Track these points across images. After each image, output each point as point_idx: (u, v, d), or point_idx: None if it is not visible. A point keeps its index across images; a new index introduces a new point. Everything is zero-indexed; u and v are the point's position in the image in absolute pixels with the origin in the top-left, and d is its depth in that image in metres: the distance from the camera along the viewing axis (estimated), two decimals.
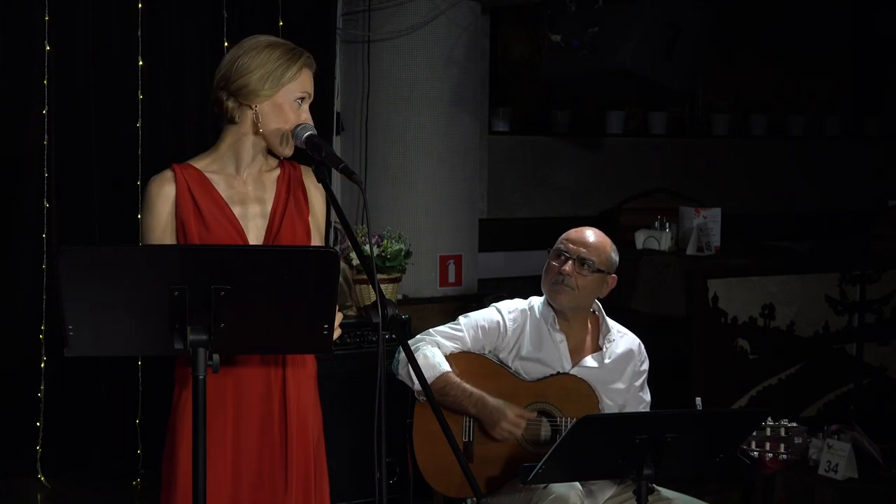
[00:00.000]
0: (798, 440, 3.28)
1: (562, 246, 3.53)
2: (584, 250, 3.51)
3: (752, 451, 3.30)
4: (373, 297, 2.49)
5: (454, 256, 5.99)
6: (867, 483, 4.46)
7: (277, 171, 2.82)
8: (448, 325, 3.58)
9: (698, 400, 3.38)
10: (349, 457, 4.44)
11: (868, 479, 4.49)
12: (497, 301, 3.71)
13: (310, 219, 2.82)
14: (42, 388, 5.20)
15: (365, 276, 4.75)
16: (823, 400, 5.75)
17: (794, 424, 3.32)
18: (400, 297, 5.41)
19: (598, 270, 3.51)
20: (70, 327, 2.26)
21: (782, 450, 3.28)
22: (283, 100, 2.72)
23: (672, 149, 7.86)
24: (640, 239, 6.23)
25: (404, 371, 3.43)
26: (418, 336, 3.54)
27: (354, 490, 4.49)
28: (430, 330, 3.56)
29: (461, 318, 3.59)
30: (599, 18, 5.23)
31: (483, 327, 3.54)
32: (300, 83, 2.73)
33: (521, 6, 6.67)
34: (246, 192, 2.77)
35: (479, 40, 6.17)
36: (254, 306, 2.32)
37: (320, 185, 2.75)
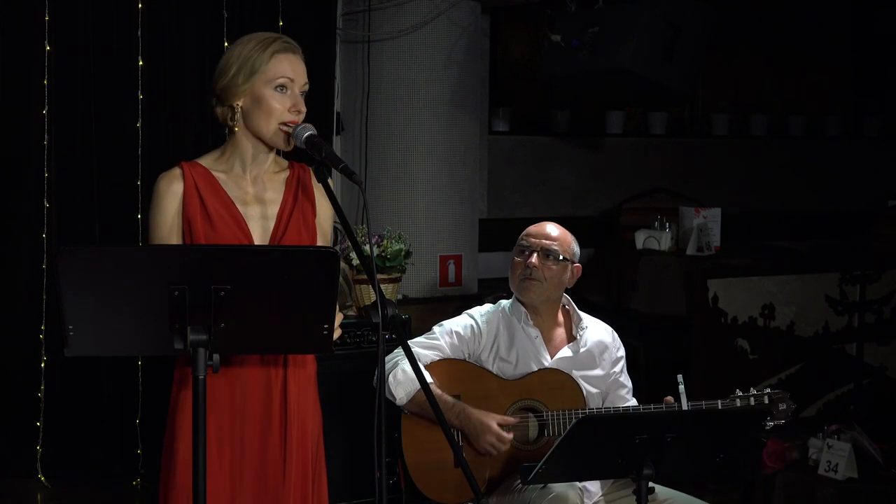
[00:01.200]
0: (783, 406, 3.37)
1: (524, 242, 3.61)
2: (546, 241, 3.58)
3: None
4: (373, 297, 2.48)
5: (454, 256, 5.99)
6: (867, 483, 4.45)
7: (286, 173, 2.82)
8: (422, 336, 3.60)
9: (680, 377, 3.40)
10: (348, 457, 4.44)
11: (868, 479, 4.48)
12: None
13: (316, 221, 2.82)
14: (42, 388, 5.20)
15: (365, 276, 4.75)
16: (823, 400, 5.75)
17: (777, 392, 3.45)
18: (400, 297, 5.41)
19: (563, 259, 3.56)
20: (70, 327, 2.26)
21: (769, 418, 3.34)
22: (261, 90, 2.70)
23: (672, 149, 7.86)
24: (640, 239, 6.23)
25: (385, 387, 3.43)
26: (396, 351, 3.54)
27: (354, 490, 4.49)
28: (407, 342, 3.56)
29: (435, 328, 3.62)
30: (599, 18, 5.23)
31: (458, 333, 3.56)
32: (275, 68, 2.70)
33: (521, 6, 6.67)
34: (253, 193, 2.77)
35: (479, 40, 6.17)
36: (254, 306, 2.32)
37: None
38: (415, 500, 3.57)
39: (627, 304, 5.97)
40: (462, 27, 5.91)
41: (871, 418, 5.57)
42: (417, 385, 3.38)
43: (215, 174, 2.76)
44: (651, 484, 2.84)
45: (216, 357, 2.32)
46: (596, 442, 2.78)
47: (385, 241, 4.95)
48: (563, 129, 7.58)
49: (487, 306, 3.68)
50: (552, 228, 3.63)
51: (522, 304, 3.60)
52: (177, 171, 2.74)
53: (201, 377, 2.31)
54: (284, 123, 2.69)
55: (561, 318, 3.67)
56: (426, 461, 3.41)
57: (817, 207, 8.29)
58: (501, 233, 6.98)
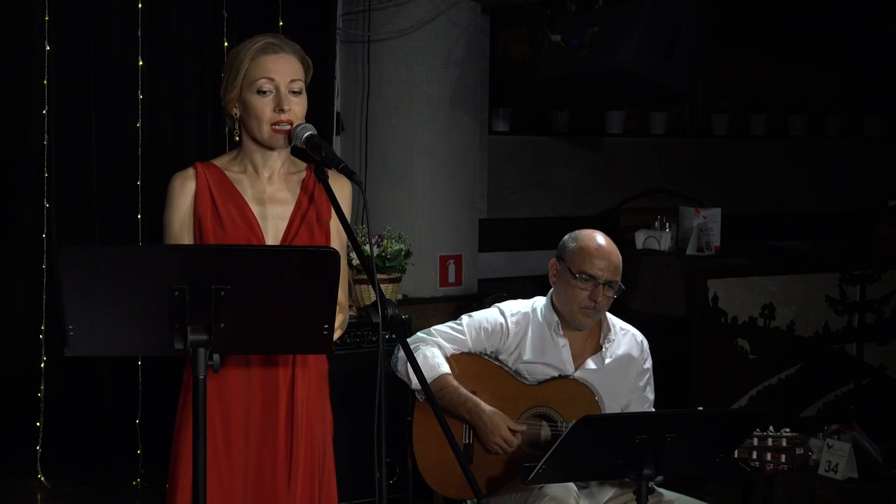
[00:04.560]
0: (799, 451, 3.25)
1: (591, 271, 3.46)
2: (610, 274, 3.47)
3: (752, 460, 3.28)
4: (373, 297, 2.48)
5: (454, 256, 5.98)
6: (867, 483, 4.46)
7: (303, 174, 2.82)
8: (450, 324, 3.56)
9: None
10: (349, 456, 4.43)
11: (868, 479, 4.49)
12: (497, 301, 3.70)
13: (331, 222, 2.81)
14: (42, 388, 5.20)
15: (365, 276, 4.75)
16: (823, 400, 5.74)
17: (796, 434, 3.31)
18: (400, 297, 5.41)
19: (620, 287, 3.52)
20: (70, 327, 2.25)
21: (783, 460, 3.26)
22: (246, 97, 2.71)
23: (672, 149, 7.86)
24: (640, 239, 6.23)
25: (403, 369, 3.42)
26: (419, 334, 3.53)
27: (354, 490, 4.49)
28: (432, 329, 3.54)
29: (464, 318, 3.57)
30: (599, 18, 5.23)
31: (486, 329, 3.53)
32: (254, 72, 2.69)
33: (521, 6, 6.66)
34: (268, 193, 2.78)
35: (479, 40, 6.17)
36: (254, 306, 2.32)
37: (346, 186, 2.77)
38: (422, 491, 3.57)
39: (627, 304, 5.97)
40: (462, 27, 5.91)
41: (871, 418, 5.56)
42: (437, 373, 3.40)
43: (229, 175, 2.77)
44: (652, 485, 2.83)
45: (216, 357, 2.32)
46: (596, 442, 2.78)
47: (385, 241, 4.95)
48: (563, 129, 7.58)
49: (520, 304, 3.61)
50: (617, 257, 3.50)
51: (557, 312, 3.54)
52: (190, 171, 2.76)
53: (201, 377, 2.31)
54: (276, 124, 2.69)
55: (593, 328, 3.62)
56: (434, 452, 3.41)
57: (817, 207, 8.29)
58: (501, 233, 6.99)
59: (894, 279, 5.90)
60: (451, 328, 3.54)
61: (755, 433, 3.26)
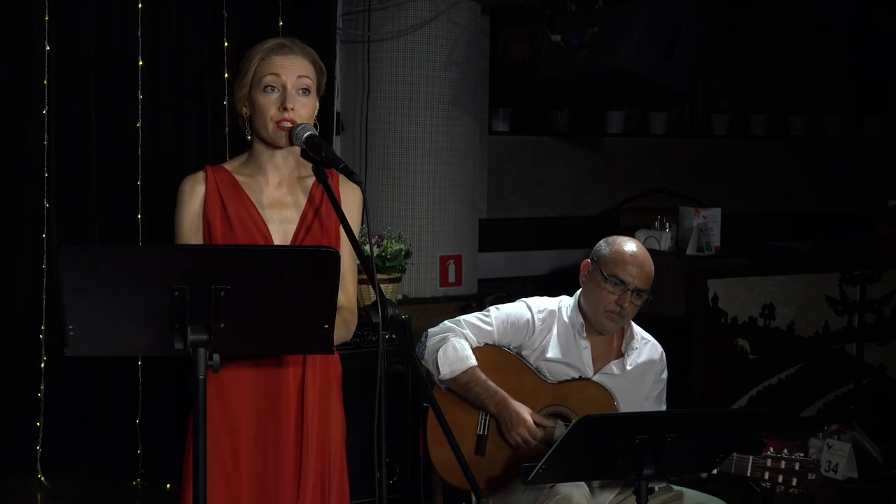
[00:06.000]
0: (811, 476, 3.25)
1: (622, 276, 3.48)
2: (640, 282, 3.50)
3: (764, 480, 3.29)
4: (373, 297, 2.48)
5: (454, 256, 5.98)
6: (867, 483, 4.47)
7: (312, 178, 2.81)
8: (477, 315, 3.58)
9: None
10: (349, 456, 4.43)
11: (868, 479, 4.50)
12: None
13: (340, 226, 2.81)
14: (42, 388, 5.19)
15: (365, 276, 4.75)
16: (823, 400, 5.75)
17: (809, 459, 3.30)
18: (400, 297, 5.41)
19: (648, 296, 3.53)
20: (70, 327, 2.25)
21: (794, 484, 3.26)
22: (253, 95, 2.73)
23: (672, 149, 7.86)
24: (640, 239, 6.22)
25: (431, 358, 3.45)
26: (447, 323, 3.54)
27: (355, 489, 4.48)
28: (460, 319, 3.55)
29: (492, 310, 3.59)
30: (599, 18, 5.23)
31: (513, 323, 3.55)
32: (261, 70, 2.72)
33: (521, 6, 6.66)
34: (277, 197, 2.78)
35: (479, 40, 6.17)
36: (254, 306, 2.32)
37: (357, 193, 2.78)
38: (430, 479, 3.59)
39: None
40: (462, 27, 5.91)
41: (871, 418, 5.57)
42: (466, 365, 3.42)
43: (239, 178, 2.78)
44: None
45: (216, 357, 2.32)
46: (596, 442, 2.78)
47: (385, 241, 4.95)
48: (563, 129, 7.58)
49: (547, 301, 3.62)
50: (650, 268, 3.53)
51: (582, 314, 3.55)
52: (200, 175, 2.78)
53: (201, 377, 2.31)
54: (279, 122, 2.70)
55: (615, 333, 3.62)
56: (445, 441, 3.41)
57: (817, 207, 8.29)
58: (501, 233, 6.98)
59: (894, 279, 5.91)
60: (480, 319, 3.56)
61: (768, 455, 3.27)
